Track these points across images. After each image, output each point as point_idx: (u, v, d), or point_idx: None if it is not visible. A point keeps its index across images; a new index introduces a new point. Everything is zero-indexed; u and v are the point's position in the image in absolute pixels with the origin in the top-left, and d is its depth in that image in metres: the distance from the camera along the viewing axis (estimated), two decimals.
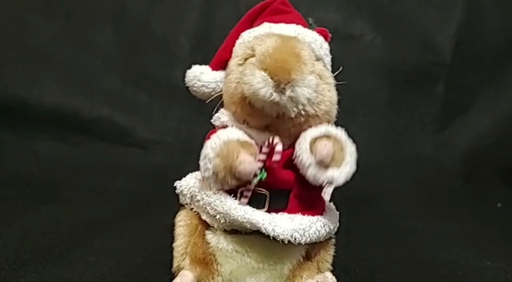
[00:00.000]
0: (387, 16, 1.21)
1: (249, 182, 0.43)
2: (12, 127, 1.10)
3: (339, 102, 0.48)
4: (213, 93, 0.51)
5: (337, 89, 0.48)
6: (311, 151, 0.42)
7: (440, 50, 1.21)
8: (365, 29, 1.21)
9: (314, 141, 0.43)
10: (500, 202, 0.97)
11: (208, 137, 0.45)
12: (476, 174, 1.15)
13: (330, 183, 0.43)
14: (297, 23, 0.49)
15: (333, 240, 0.50)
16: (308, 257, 0.48)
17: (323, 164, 0.42)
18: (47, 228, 0.68)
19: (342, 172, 0.43)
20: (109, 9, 1.17)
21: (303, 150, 0.43)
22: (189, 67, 0.53)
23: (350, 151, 0.44)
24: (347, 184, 0.43)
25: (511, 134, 1.18)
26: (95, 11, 1.17)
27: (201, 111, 1.09)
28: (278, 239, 0.42)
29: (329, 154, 0.42)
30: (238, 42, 0.50)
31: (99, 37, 1.17)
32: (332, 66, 0.51)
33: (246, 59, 0.46)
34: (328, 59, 0.50)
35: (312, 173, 0.42)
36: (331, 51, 0.50)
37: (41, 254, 0.57)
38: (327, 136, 0.44)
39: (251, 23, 0.51)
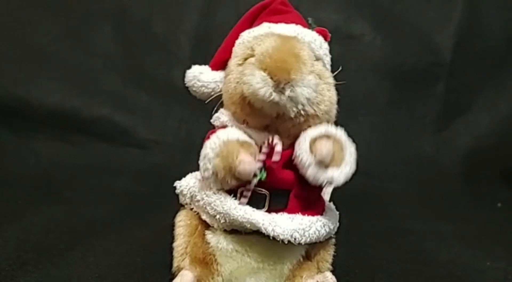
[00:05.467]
0: (387, 16, 1.21)
1: (249, 182, 0.43)
2: (12, 127, 1.10)
3: (338, 102, 0.48)
4: (212, 93, 0.51)
5: (336, 89, 0.48)
6: (311, 150, 0.42)
7: (440, 50, 1.21)
8: (365, 29, 1.21)
9: (314, 141, 0.43)
10: (500, 202, 0.97)
11: (208, 138, 0.45)
12: (476, 174, 1.15)
13: (329, 183, 0.43)
14: (297, 23, 0.48)
15: (333, 240, 0.50)
16: (308, 257, 0.48)
17: (323, 164, 0.42)
18: (47, 228, 0.67)
19: (341, 172, 0.43)
20: (109, 9, 1.17)
21: (302, 150, 0.43)
22: (189, 67, 0.53)
23: (350, 151, 0.44)
24: (347, 184, 0.44)
25: (511, 134, 1.18)
26: (95, 11, 1.17)
27: (201, 111, 1.09)
28: (278, 239, 0.42)
29: (329, 154, 0.42)
30: (237, 42, 0.49)
31: (99, 37, 1.17)
32: (332, 66, 0.50)
33: (245, 59, 0.45)
34: (327, 59, 0.50)
35: (311, 173, 0.42)
36: (331, 51, 0.50)
37: (41, 254, 0.57)
38: (327, 136, 0.44)
39: (250, 23, 0.51)
